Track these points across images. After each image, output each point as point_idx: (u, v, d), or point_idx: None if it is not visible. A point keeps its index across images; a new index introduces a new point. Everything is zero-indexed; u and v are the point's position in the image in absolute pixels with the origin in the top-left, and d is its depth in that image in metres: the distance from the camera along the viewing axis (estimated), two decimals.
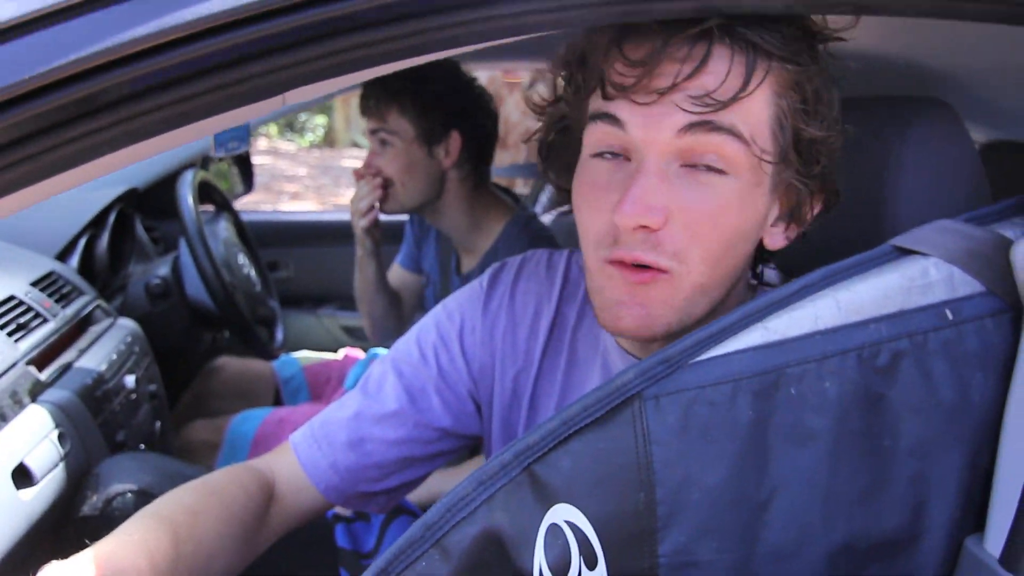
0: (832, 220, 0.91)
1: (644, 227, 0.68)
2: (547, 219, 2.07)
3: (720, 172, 0.69)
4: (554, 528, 0.61)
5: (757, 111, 0.70)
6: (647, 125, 0.68)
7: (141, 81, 0.49)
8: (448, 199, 1.54)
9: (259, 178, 8.15)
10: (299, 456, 0.90)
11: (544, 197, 2.62)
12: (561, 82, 0.77)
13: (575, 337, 0.89)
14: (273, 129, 12.14)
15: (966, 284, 0.71)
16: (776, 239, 0.79)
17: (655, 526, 0.61)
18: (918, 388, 0.67)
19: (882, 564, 0.66)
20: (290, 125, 12.51)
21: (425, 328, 0.93)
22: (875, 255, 0.72)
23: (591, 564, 0.61)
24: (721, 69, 0.67)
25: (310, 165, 9.56)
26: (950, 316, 0.70)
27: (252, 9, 0.48)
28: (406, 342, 0.93)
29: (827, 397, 0.66)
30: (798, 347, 0.66)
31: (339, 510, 1.38)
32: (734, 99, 0.67)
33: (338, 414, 0.91)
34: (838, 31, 0.73)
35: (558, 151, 0.82)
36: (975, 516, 0.69)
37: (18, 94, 0.47)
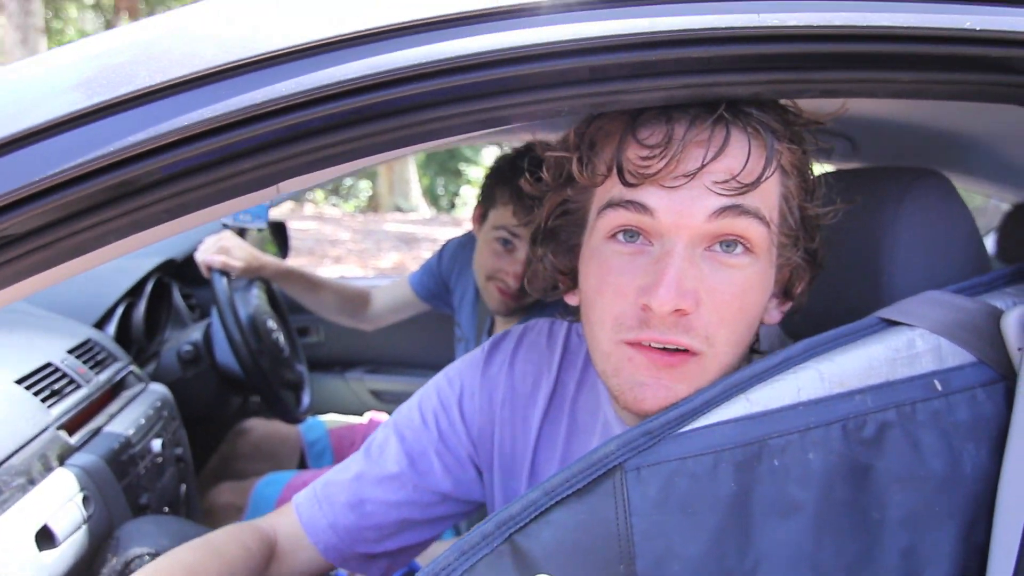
0: (833, 290, 0.93)
1: (679, 311, 0.68)
2: None
3: (747, 253, 0.71)
4: None
5: (771, 192, 0.73)
6: (678, 211, 0.68)
7: (144, 178, 0.54)
8: None
9: (303, 242, 8.33)
10: (300, 516, 0.92)
11: None
12: (566, 165, 0.77)
13: (575, 406, 0.90)
14: (319, 195, 12.55)
15: (955, 355, 0.72)
16: (772, 315, 0.80)
17: None
18: (906, 459, 0.67)
19: None
20: (336, 191, 12.91)
21: (427, 394, 0.96)
22: (860, 327, 0.73)
23: None
24: (741, 152, 0.69)
25: (354, 230, 9.82)
26: (939, 387, 0.70)
27: (240, 114, 0.53)
28: (408, 407, 0.96)
29: (811, 468, 0.66)
30: (780, 418, 0.67)
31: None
32: (758, 181, 0.69)
33: (340, 476, 0.94)
34: (826, 114, 0.76)
35: (556, 235, 0.83)
36: None
37: (38, 190, 0.52)
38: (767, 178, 0.70)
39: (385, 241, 8.83)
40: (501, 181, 1.50)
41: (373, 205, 12.67)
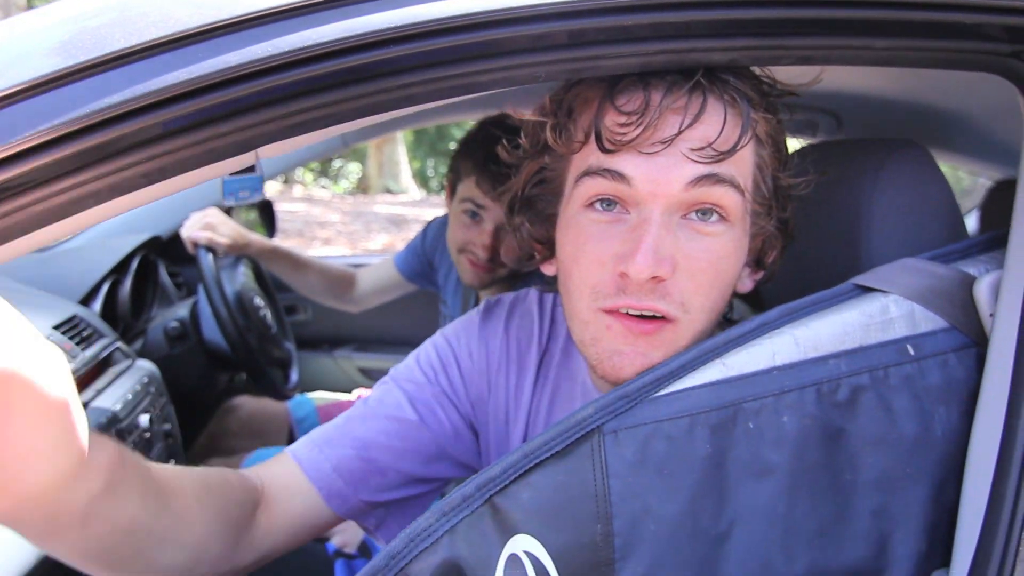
0: (813, 259, 0.94)
1: (656, 278, 0.69)
2: None
3: (722, 221, 0.72)
4: (513, 558, 0.63)
5: (746, 161, 0.73)
6: (655, 179, 0.69)
7: (120, 141, 0.54)
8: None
9: (293, 224, 8.28)
10: (300, 461, 0.86)
11: None
12: (542, 132, 0.78)
13: (558, 375, 0.92)
14: (309, 177, 12.48)
15: (928, 320, 0.73)
16: (745, 283, 0.82)
17: (612, 557, 0.63)
18: (879, 422, 0.69)
19: None
20: (325, 172, 12.84)
21: (425, 353, 0.95)
22: (835, 293, 0.74)
23: None
24: (717, 119, 0.70)
25: (343, 211, 9.79)
26: (911, 351, 0.72)
27: (216, 77, 0.53)
28: (406, 366, 0.95)
29: (785, 431, 0.67)
30: (755, 382, 0.68)
31: (341, 545, 1.40)
32: (734, 149, 0.70)
33: (339, 425, 0.89)
34: (800, 85, 0.76)
35: (533, 204, 0.83)
36: (942, 550, 0.69)
37: (10, 153, 0.52)
38: (743, 146, 0.71)
39: (375, 223, 8.81)
40: (466, 154, 1.52)
41: (363, 187, 12.62)
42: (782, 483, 0.66)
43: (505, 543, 0.64)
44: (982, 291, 0.74)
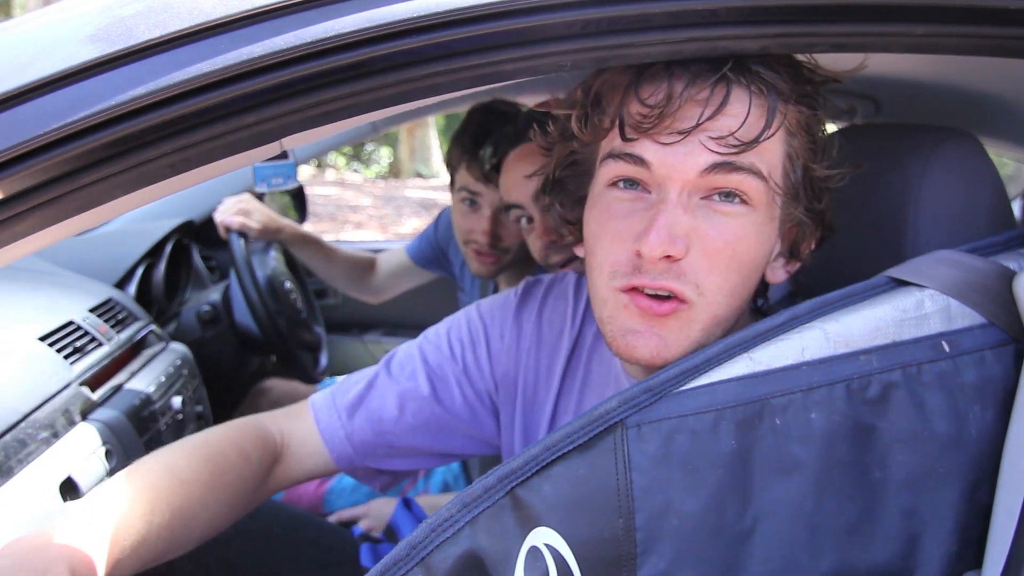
0: (855, 248, 0.92)
1: (668, 256, 0.70)
2: None
3: (744, 204, 0.72)
4: (534, 551, 0.63)
5: (774, 149, 0.73)
6: (671, 164, 0.70)
7: (147, 133, 0.55)
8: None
9: (325, 208, 8.36)
10: (319, 423, 0.94)
11: None
12: (570, 120, 0.79)
13: (591, 359, 0.92)
14: (341, 161, 12.56)
15: (964, 316, 0.71)
16: (777, 273, 0.81)
17: (634, 552, 0.63)
18: (911, 420, 0.67)
19: None
20: (357, 156, 12.91)
21: (456, 324, 0.98)
22: (868, 286, 0.73)
23: None
24: (740, 111, 0.69)
25: (375, 195, 9.83)
26: (947, 348, 0.70)
27: (240, 68, 0.53)
28: (436, 333, 0.98)
29: (813, 427, 0.66)
30: (784, 378, 0.67)
31: (368, 529, 1.42)
32: (756, 141, 0.69)
33: (360, 388, 0.95)
34: (843, 72, 0.75)
35: (564, 185, 0.85)
36: (974, 552, 0.67)
37: (41, 144, 0.53)
38: (766, 138, 0.70)
39: (406, 207, 8.83)
40: (456, 144, 1.53)
41: (394, 171, 12.66)
42: (809, 480, 0.65)
43: (526, 536, 0.64)
44: (1022, 286, 0.71)
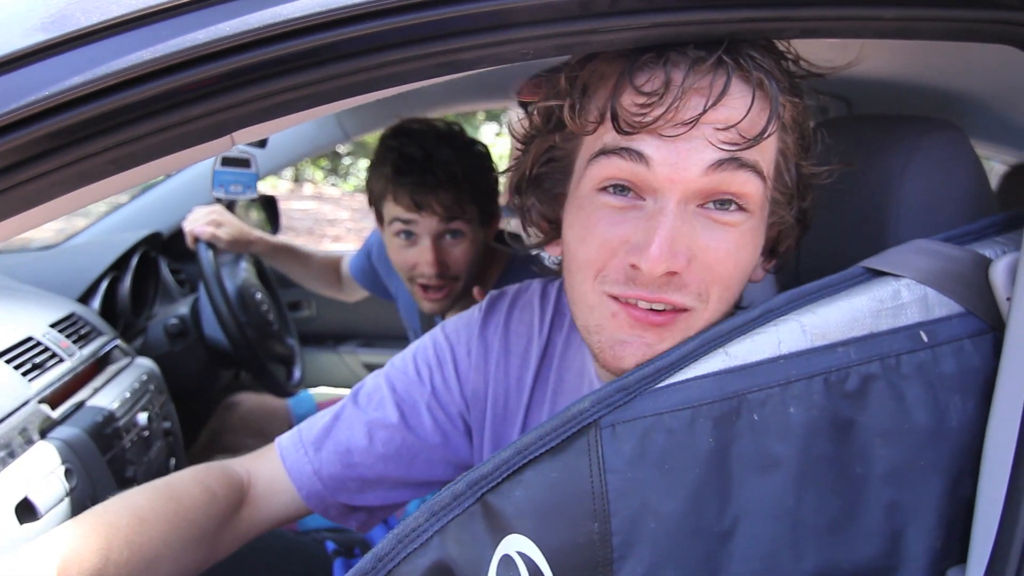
0: (839, 241, 0.90)
1: (670, 272, 0.66)
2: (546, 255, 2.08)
3: (741, 210, 0.67)
4: (507, 559, 0.60)
5: (769, 148, 0.69)
6: (674, 163, 0.64)
7: (85, 125, 0.52)
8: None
9: (303, 222, 8.32)
10: (284, 460, 0.90)
11: None
12: (552, 113, 0.74)
13: (561, 365, 0.89)
14: (318, 175, 12.48)
15: (941, 305, 0.69)
16: (758, 272, 0.78)
17: (610, 557, 0.60)
18: (891, 413, 0.65)
19: None
20: (334, 170, 12.84)
21: (422, 348, 0.94)
22: (844, 277, 0.71)
23: None
24: (742, 101, 0.64)
25: (353, 209, 9.77)
26: (925, 338, 0.68)
27: (183, 55, 0.50)
28: (402, 359, 0.94)
29: (791, 423, 0.64)
30: (761, 372, 0.65)
31: (338, 543, 1.38)
32: (761, 135, 0.65)
33: (327, 422, 0.91)
34: (830, 69, 0.72)
35: (540, 182, 0.79)
36: (958, 547, 0.66)
37: None
38: (771, 133, 0.65)
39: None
40: (375, 175, 1.43)
41: None
42: (789, 477, 0.63)
43: (498, 543, 0.61)
44: (998, 273, 0.70)
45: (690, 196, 0.66)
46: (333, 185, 12.80)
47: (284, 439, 0.92)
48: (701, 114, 0.63)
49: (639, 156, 0.65)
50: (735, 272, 0.69)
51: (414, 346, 0.95)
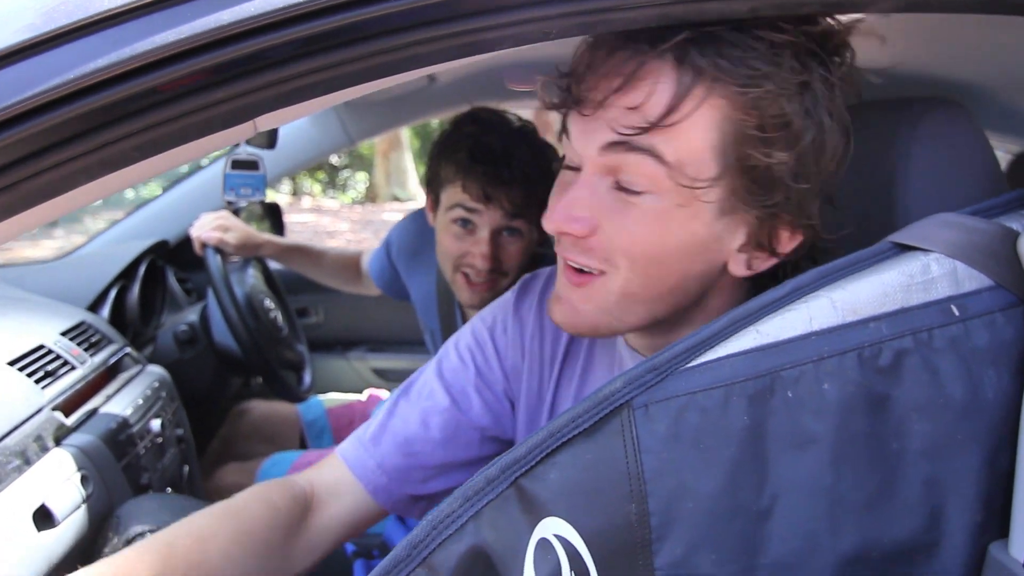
0: (845, 224, 0.89)
1: (566, 233, 0.72)
2: None
3: (647, 193, 0.69)
4: (544, 543, 0.59)
5: (694, 136, 0.67)
6: (581, 141, 0.71)
7: (109, 110, 0.51)
8: None
9: (302, 235, 8.35)
10: (346, 459, 0.92)
11: None
12: None
13: (593, 342, 0.91)
14: (316, 188, 12.50)
15: (971, 279, 0.69)
16: (738, 266, 0.76)
17: (649, 538, 0.59)
18: (925, 387, 0.64)
19: (899, 574, 0.62)
20: (332, 183, 12.86)
21: (462, 335, 0.98)
22: (872, 253, 0.70)
23: None
24: (648, 87, 0.66)
25: (352, 220, 9.79)
26: (956, 312, 0.67)
27: (207, 37, 0.50)
28: (445, 350, 0.98)
29: (826, 399, 0.63)
30: (793, 349, 0.64)
31: (357, 544, 1.37)
32: (660, 123, 0.66)
33: (383, 419, 0.94)
34: (881, 68, 0.72)
35: None
36: (999, 521, 0.65)
37: None
38: (673, 122, 0.66)
39: (384, 230, 8.75)
40: (443, 157, 1.38)
41: (371, 196, 12.62)
42: (826, 454, 0.62)
43: (534, 527, 0.60)
44: None
45: (599, 171, 0.71)
46: (331, 198, 12.82)
47: (343, 445, 0.95)
48: (604, 98, 0.68)
49: (568, 134, 0.73)
50: (637, 248, 0.71)
51: (454, 337, 0.99)
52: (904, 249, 0.70)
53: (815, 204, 0.75)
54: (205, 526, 0.80)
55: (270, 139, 1.37)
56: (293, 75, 0.55)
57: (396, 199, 11.69)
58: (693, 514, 0.60)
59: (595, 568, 0.59)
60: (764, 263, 0.77)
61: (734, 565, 0.61)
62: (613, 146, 0.68)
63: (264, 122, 0.59)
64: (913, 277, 0.68)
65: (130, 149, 0.53)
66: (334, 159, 11.91)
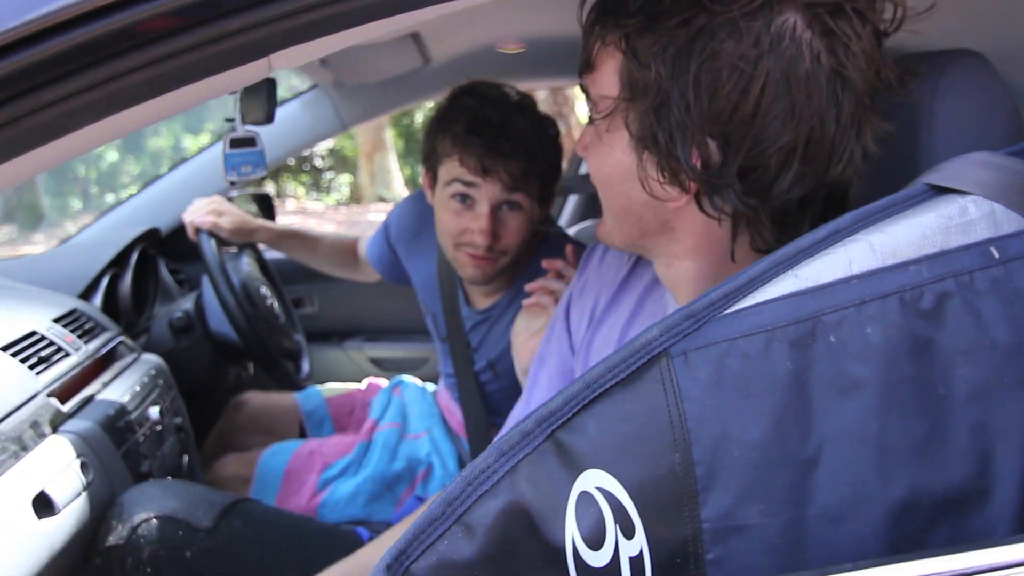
0: (870, 180, 0.88)
1: None
2: (573, 231, 2.05)
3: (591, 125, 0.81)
4: (585, 497, 0.57)
5: (602, 76, 0.78)
6: None
7: (118, 38, 0.48)
8: None
9: None
10: None
11: (567, 211, 2.62)
12: None
13: (645, 295, 0.91)
14: (300, 190, 12.41)
15: (1010, 220, 0.67)
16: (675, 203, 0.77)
17: (695, 488, 0.57)
18: (969, 331, 0.62)
19: (951, 521, 0.60)
20: (316, 185, 12.78)
21: (552, 321, 1.03)
22: (908, 196, 0.68)
23: (628, 533, 0.56)
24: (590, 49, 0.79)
25: (337, 222, 9.72)
26: (996, 254, 0.65)
27: None
28: (543, 338, 1.04)
29: (870, 344, 0.61)
30: (833, 293, 0.62)
31: (373, 532, 1.33)
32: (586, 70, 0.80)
33: (518, 411, 1.02)
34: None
35: None
36: None
37: None
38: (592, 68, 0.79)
39: (370, 231, 8.66)
40: (441, 131, 1.35)
41: (355, 197, 12.54)
42: (872, 400, 0.60)
43: (574, 480, 0.57)
44: None
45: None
46: (316, 199, 12.72)
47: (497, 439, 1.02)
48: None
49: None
50: (594, 173, 0.83)
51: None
52: (940, 191, 0.68)
53: (706, 144, 0.73)
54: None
55: (267, 113, 1.33)
56: (307, 6, 0.52)
57: (382, 199, 11.62)
58: (739, 463, 0.57)
59: (640, 520, 0.56)
60: (681, 200, 0.76)
61: (782, 516, 0.58)
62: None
63: (279, 60, 0.56)
64: (951, 219, 0.66)
65: (139, 84, 0.50)
66: (317, 161, 11.82)
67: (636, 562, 0.56)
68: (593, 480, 0.57)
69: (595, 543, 0.56)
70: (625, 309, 0.91)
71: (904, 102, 0.84)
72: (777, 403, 0.59)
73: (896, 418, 0.60)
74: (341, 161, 12.34)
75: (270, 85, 1.36)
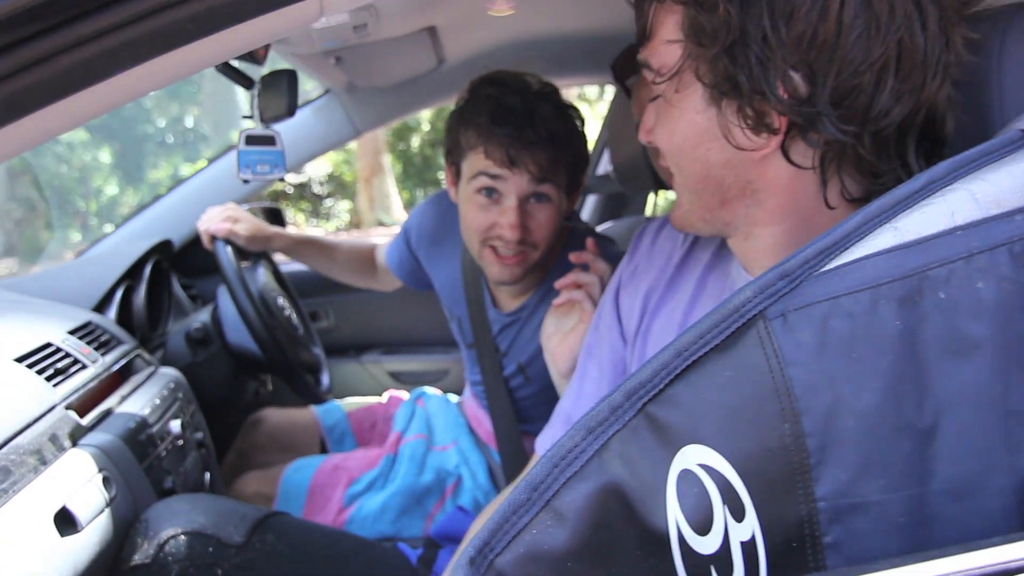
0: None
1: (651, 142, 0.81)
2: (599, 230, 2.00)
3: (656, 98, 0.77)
4: (686, 475, 0.51)
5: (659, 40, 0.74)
6: None
7: None
8: None
9: (288, 266, 8.35)
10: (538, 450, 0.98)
11: (586, 213, 2.58)
12: None
13: (705, 275, 0.86)
14: (300, 218, 12.38)
15: None
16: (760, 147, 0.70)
17: (807, 463, 0.51)
18: None
19: None
20: (316, 212, 12.76)
21: (599, 309, 1.00)
22: (1002, 143, 0.63)
23: (738, 515, 0.50)
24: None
25: None
26: None
27: None
28: (591, 327, 1.01)
29: (982, 299, 0.55)
30: (938, 246, 0.56)
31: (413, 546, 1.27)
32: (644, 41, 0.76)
33: (561, 411, 0.99)
34: None
35: None
36: None
37: None
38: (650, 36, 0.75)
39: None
40: (463, 124, 1.29)
41: (355, 222, 12.52)
42: (990, 360, 0.54)
43: (672, 457, 0.51)
44: None
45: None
46: (315, 227, 12.69)
47: (541, 435, 1.01)
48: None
49: None
50: (668, 143, 0.77)
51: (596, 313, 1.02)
52: None
53: (790, 77, 0.66)
54: None
55: (288, 106, 1.28)
56: None
57: (381, 224, 11.58)
58: (854, 433, 0.52)
59: (750, 500, 0.50)
60: (770, 149, 0.70)
61: (903, 492, 0.52)
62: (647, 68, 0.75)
63: (331, 4, 0.50)
64: None
65: (184, 21, 0.45)
66: (316, 188, 11.82)
67: (748, 548, 0.50)
68: (695, 456, 0.51)
69: (702, 527, 0.50)
70: (685, 292, 0.86)
71: (968, 70, 0.80)
72: (890, 366, 0.53)
73: (1019, 379, 0.54)
74: (340, 186, 12.33)
75: (291, 76, 1.31)
